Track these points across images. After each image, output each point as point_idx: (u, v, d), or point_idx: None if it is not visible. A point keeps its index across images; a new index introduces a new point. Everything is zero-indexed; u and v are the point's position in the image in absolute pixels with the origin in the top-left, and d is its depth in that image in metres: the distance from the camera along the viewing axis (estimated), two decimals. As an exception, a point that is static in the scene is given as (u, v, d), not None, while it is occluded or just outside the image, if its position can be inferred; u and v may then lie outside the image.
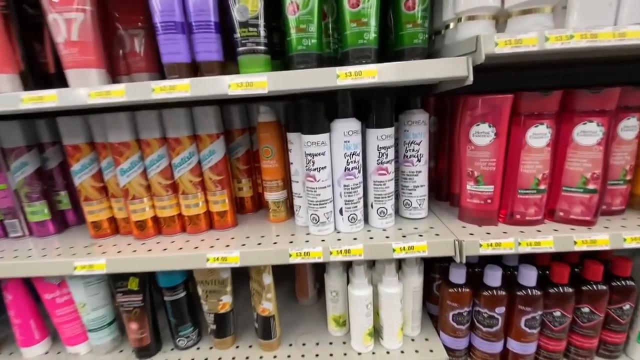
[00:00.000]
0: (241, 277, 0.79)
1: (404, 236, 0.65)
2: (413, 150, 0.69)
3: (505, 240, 0.62)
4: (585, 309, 0.72)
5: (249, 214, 0.83)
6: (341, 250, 0.62)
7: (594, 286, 0.71)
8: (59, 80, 0.69)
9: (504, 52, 0.51)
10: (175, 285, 0.74)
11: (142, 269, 0.64)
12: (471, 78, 0.52)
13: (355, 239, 0.65)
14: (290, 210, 0.78)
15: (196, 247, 0.66)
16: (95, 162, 0.71)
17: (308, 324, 0.84)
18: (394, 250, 0.62)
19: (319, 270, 0.88)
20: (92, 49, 0.59)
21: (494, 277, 0.70)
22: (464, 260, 0.62)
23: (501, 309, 0.71)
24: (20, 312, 0.75)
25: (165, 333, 0.79)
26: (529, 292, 0.70)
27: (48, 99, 0.55)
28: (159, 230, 0.73)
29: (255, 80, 0.53)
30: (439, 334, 0.78)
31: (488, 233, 0.64)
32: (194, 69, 0.61)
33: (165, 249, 0.66)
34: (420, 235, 0.65)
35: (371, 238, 0.65)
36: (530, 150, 0.63)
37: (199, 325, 0.80)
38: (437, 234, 0.65)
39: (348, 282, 0.75)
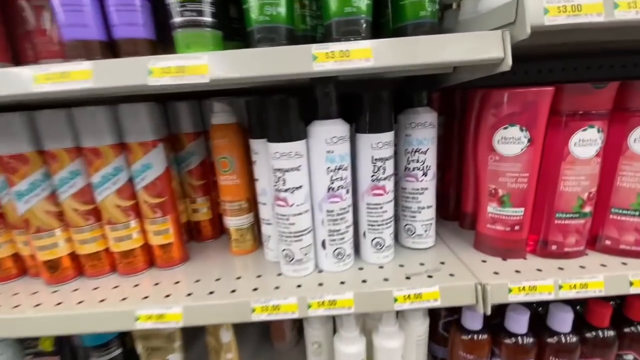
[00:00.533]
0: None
1: (407, 277, 0.48)
2: (417, 161, 0.52)
3: (542, 283, 0.46)
4: (629, 357, 0.58)
5: (208, 242, 0.65)
6: (323, 302, 0.45)
7: (641, 328, 0.56)
8: None
9: (557, 24, 0.35)
10: (106, 342, 0.55)
11: (43, 333, 0.46)
12: (509, 61, 0.36)
13: (342, 282, 0.48)
14: (258, 238, 0.61)
15: (124, 299, 0.48)
16: (-16, 181, 0.52)
17: (285, 377, 0.67)
18: (395, 299, 0.46)
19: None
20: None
21: (519, 322, 0.55)
22: (488, 311, 0.46)
23: (529, 362, 0.56)
24: None
25: (97, 400, 0.61)
26: (563, 339, 0.55)
27: None
28: (80, 270, 0.54)
29: (190, 64, 0.35)
30: (448, 390, 0.63)
31: (517, 271, 0.49)
32: (113, 51, 0.43)
33: (80, 302, 0.48)
34: (430, 277, 0.48)
35: (364, 281, 0.48)
36: (574, 162, 0.47)
37: (142, 390, 0.62)
38: (451, 274, 0.49)
39: (334, 331, 0.58)
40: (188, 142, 0.59)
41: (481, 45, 0.36)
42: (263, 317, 0.45)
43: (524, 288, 0.46)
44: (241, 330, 0.57)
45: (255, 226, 0.59)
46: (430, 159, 0.52)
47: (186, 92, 0.61)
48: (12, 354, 0.57)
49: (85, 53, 0.41)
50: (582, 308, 0.59)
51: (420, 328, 0.57)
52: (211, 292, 0.48)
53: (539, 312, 0.61)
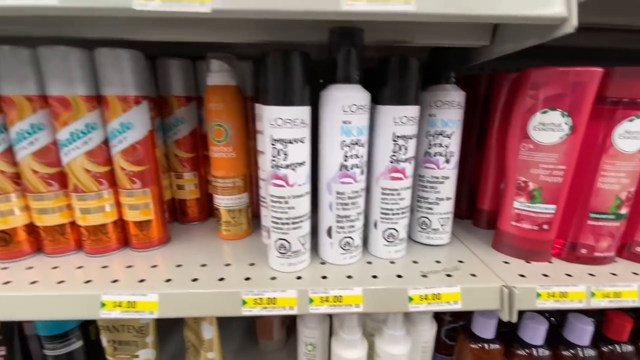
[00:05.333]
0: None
1: (424, 275, 0.42)
2: (440, 145, 0.46)
3: (573, 289, 0.41)
4: (646, 375, 0.53)
5: (193, 225, 0.58)
6: (327, 298, 0.39)
7: (661, 345, 0.52)
8: None
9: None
10: (64, 332, 0.47)
11: (-17, 318, 0.37)
12: (574, 21, 0.30)
13: (349, 277, 0.41)
14: (252, 221, 0.53)
15: (88, 282, 0.40)
16: None
17: (270, 381, 0.60)
18: (410, 299, 0.39)
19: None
20: None
21: (537, 332, 0.50)
22: (514, 319, 0.41)
23: (543, 377, 0.50)
24: None
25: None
26: (581, 352, 0.50)
27: None
28: (39, 246, 0.46)
29: (189, -11, 0.28)
30: (450, 403, 0.57)
31: (545, 275, 0.43)
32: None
33: (34, 282, 0.40)
34: (449, 276, 0.42)
35: (375, 277, 0.41)
36: (616, 156, 0.42)
37: (104, 389, 0.54)
38: (472, 274, 0.43)
39: (331, 332, 0.51)
40: (177, 107, 0.52)
41: None
42: (255, 311, 0.38)
43: (554, 294, 0.41)
44: (223, 325, 0.50)
45: (250, 208, 0.52)
46: (454, 144, 0.46)
47: (179, 49, 0.53)
48: (-53, 340, 0.48)
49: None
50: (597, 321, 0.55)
51: (428, 333, 0.51)
52: (195, 280, 0.40)
53: (552, 322, 0.57)
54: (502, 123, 0.52)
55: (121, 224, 0.47)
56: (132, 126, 0.42)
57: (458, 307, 0.40)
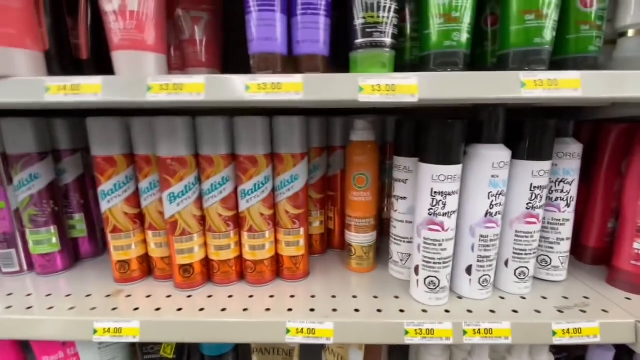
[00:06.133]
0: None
1: (560, 311, 0.47)
2: (562, 191, 0.52)
3: (702, 326, 0.45)
4: None
5: (316, 256, 0.65)
6: (479, 330, 0.44)
7: None
8: (94, 69, 0.52)
9: None
10: (224, 353, 0.54)
11: (192, 339, 0.45)
12: None
13: (492, 311, 0.47)
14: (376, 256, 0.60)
15: (268, 310, 0.47)
16: (132, 180, 0.52)
17: (383, 404, 0.65)
18: (554, 333, 0.44)
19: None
20: (153, 24, 0.41)
21: (656, 366, 0.52)
22: (649, 353, 0.44)
23: (665, 411, 0.53)
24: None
25: (200, 413, 0.59)
26: (701, 389, 0.52)
27: (88, 89, 0.37)
28: (208, 276, 0.54)
29: (400, 83, 0.36)
30: None
31: (671, 312, 0.47)
32: (289, 65, 0.44)
33: (223, 309, 0.47)
34: (583, 311, 0.47)
35: (515, 312, 0.46)
36: None
37: (247, 405, 0.60)
38: (604, 310, 0.47)
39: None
40: (315, 157, 0.60)
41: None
42: (416, 340, 0.44)
43: (684, 330, 0.45)
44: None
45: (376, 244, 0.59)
46: (574, 190, 0.52)
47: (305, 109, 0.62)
48: (127, 356, 0.56)
49: (272, 66, 0.42)
50: None
51: (547, 365, 0.55)
52: (356, 310, 0.47)
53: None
54: (610, 167, 0.57)
55: (276, 259, 0.54)
56: (298, 177, 0.50)
57: (597, 340, 0.44)
